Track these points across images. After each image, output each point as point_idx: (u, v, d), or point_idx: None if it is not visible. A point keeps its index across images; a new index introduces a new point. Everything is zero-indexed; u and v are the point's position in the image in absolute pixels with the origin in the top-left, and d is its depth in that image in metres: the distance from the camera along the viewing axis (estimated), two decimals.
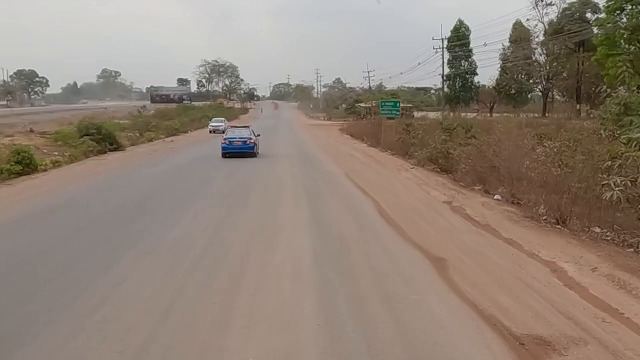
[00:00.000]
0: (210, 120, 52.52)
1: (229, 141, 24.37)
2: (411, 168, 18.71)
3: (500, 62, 63.56)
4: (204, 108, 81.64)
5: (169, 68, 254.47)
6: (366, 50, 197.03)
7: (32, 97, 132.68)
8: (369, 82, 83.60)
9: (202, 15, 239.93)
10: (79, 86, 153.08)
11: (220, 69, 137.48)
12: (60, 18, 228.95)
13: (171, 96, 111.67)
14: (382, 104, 30.74)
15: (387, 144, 28.97)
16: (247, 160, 23.01)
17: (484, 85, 69.56)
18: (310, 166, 20.97)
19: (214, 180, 17.00)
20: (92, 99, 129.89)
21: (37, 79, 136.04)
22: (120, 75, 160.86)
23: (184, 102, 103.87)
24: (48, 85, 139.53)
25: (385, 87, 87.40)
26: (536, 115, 53.47)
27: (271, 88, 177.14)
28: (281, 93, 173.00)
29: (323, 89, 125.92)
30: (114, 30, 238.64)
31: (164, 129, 42.39)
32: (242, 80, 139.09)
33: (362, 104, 79.29)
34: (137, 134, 37.37)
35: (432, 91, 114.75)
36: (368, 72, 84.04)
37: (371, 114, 56.19)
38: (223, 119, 52.61)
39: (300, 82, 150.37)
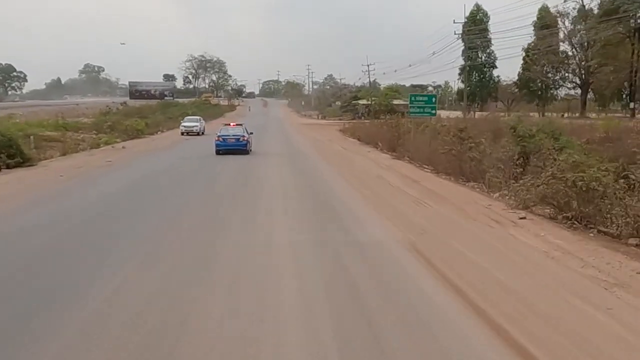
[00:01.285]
0: (182, 119, 42.29)
1: (223, 138, 24.33)
2: (520, 218, 9.60)
3: (523, 53, 55.49)
4: (187, 105, 77.15)
5: (158, 65, 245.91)
6: (359, 45, 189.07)
7: (10, 92, 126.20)
8: (369, 77, 74.77)
9: (191, 11, 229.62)
10: (63, 82, 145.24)
11: (207, 65, 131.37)
12: (47, 13, 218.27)
13: (152, 92, 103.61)
14: (413, 98, 22.06)
15: (420, 154, 20.35)
16: (207, 210, 11.83)
17: (504, 81, 60.95)
18: (323, 212, 10.91)
19: (122, 269, 6.88)
20: (75, 95, 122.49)
21: (14, 73, 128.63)
22: (103, 70, 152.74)
23: (166, 98, 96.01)
24: (26, 80, 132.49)
25: (379, 84, 79.89)
26: (574, 115, 45.71)
27: (260, 85, 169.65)
28: (271, 90, 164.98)
29: (314, 86, 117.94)
30: (102, 25, 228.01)
31: (121, 130, 33.40)
32: (230, 76, 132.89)
33: (362, 101, 70.57)
34: (94, 135, 31.46)
35: (430, 88, 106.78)
36: (368, 65, 74.40)
37: (377, 112, 48.40)
38: (199, 117, 42.93)
39: (292, 77, 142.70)
